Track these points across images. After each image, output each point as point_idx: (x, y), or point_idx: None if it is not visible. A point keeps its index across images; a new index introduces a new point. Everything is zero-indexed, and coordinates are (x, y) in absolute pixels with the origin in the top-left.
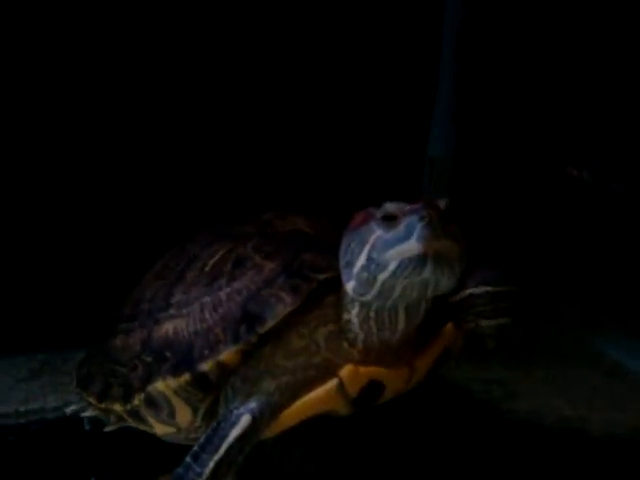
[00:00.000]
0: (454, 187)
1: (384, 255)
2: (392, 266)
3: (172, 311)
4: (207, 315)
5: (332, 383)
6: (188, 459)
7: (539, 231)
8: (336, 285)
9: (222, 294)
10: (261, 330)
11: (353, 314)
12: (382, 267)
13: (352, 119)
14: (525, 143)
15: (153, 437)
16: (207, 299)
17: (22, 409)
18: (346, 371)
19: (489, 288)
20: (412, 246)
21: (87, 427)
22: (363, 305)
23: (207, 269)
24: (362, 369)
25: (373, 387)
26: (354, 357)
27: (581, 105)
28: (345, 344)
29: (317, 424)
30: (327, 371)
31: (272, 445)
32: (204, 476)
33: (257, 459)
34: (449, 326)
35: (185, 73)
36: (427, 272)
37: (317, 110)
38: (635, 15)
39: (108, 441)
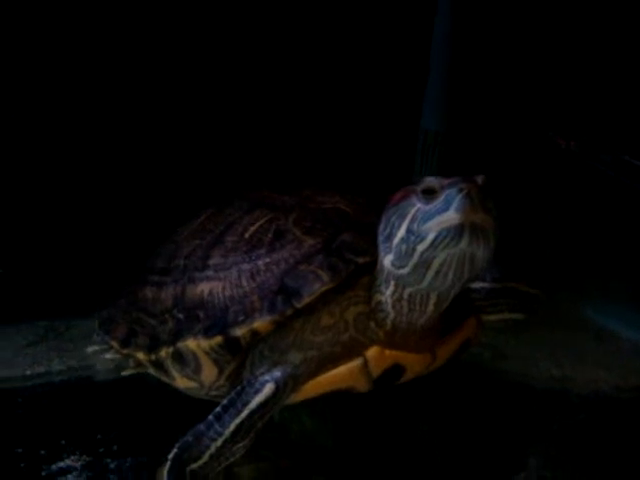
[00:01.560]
0: (445, 159)
1: (424, 226)
2: (431, 236)
3: (209, 272)
4: (244, 282)
5: (357, 362)
6: (211, 418)
7: (528, 202)
8: (369, 268)
9: (261, 263)
10: (298, 305)
11: (387, 293)
12: (421, 238)
13: (348, 95)
14: (515, 115)
15: (159, 397)
16: (246, 266)
17: (28, 373)
18: (372, 352)
19: (512, 285)
20: (451, 216)
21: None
22: (398, 284)
23: (247, 236)
24: (387, 352)
25: (395, 369)
26: (379, 338)
27: (569, 78)
28: (373, 324)
29: (333, 397)
30: (352, 349)
31: (284, 410)
32: (224, 436)
33: (269, 422)
34: (472, 320)
35: (182, 65)
36: (464, 243)
37: (315, 86)
38: None
39: (115, 402)
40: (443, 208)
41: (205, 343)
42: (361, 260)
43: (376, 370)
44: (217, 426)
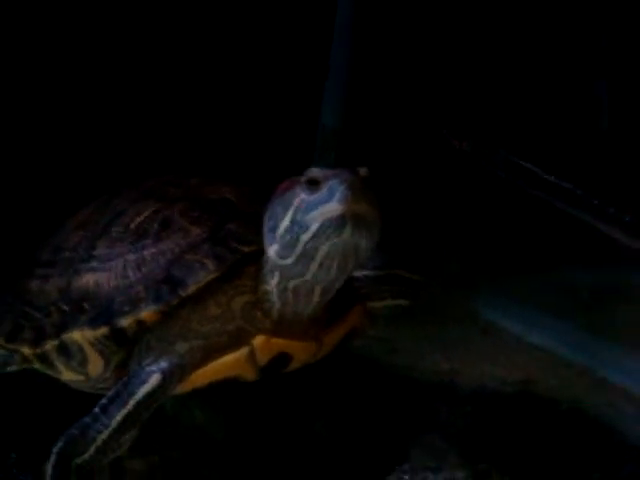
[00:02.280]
0: (344, 156)
1: (307, 216)
2: (314, 226)
3: (94, 263)
4: (130, 272)
5: (244, 350)
6: (96, 410)
7: (422, 196)
8: (256, 257)
9: (146, 253)
10: (183, 293)
11: (273, 284)
12: (305, 228)
13: (248, 90)
14: (412, 114)
15: (47, 390)
16: (131, 256)
17: None
18: (259, 340)
19: (395, 272)
20: (333, 207)
21: None
22: (282, 275)
23: (133, 226)
24: (274, 340)
25: (281, 358)
26: (266, 327)
27: (465, 78)
28: (259, 314)
29: (221, 386)
30: (239, 339)
31: (174, 402)
32: (110, 428)
33: (159, 415)
34: (358, 308)
35: None
36: (347, 233)
37: (215, 80)
38: None
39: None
40: (326, 199)
41: (90, 334)
42: (246, 249)
43: (262, 358)
44: (103, 418)
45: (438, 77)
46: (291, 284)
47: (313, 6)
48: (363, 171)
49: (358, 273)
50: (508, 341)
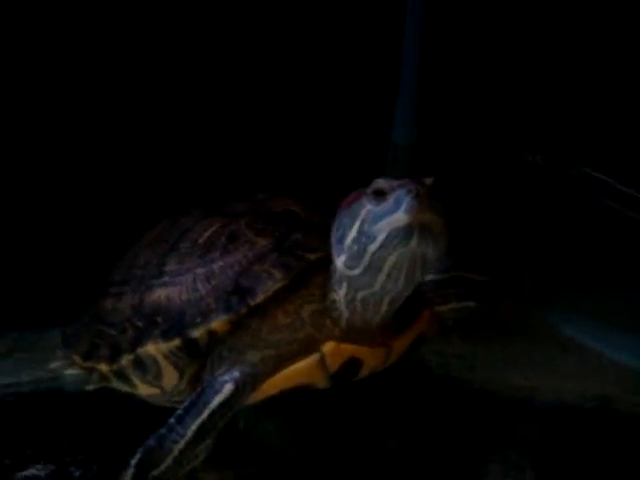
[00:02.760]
0: (416, 173)
1: (374, 227)
2: (381, 237)
3: (165, 279)
4: (200, 285)
5: (314, 357)
6: (172, 420)
7: (497, 213)
8: (323, 266)
9: (215, 266)
10: (252, 302)
11: (341, 294)
12: (372, 238)
13: (318, 105)
14: (484, 128)
15: (125, 406)
16: (200, 270)
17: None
18: (329, 347)
19: (457, 274)
20: (400, 217)
21: (70, 388)
22: (350, 285)
23: (201, 241)
24: (344, 346)
25: (352, 364)
26: (335, 335)
27: (538, 93)
28: (328, 322)
29: (291, 398)
30: (309, 346)
31: (247, 416)
32: (186, 437)
33: (232, 430)
34: (426, 313)
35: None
36: (414, 243)
37: (283, 94)
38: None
39: (83, 411)
40: (392, 209)
41: (164, 346)
42: (312, 257)
43: (333, 365)
44: (179, 428)
45: (510, 90)
46: (359, 295)
47: (382, 22)
48: (429, 181)
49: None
50: (588, 358)
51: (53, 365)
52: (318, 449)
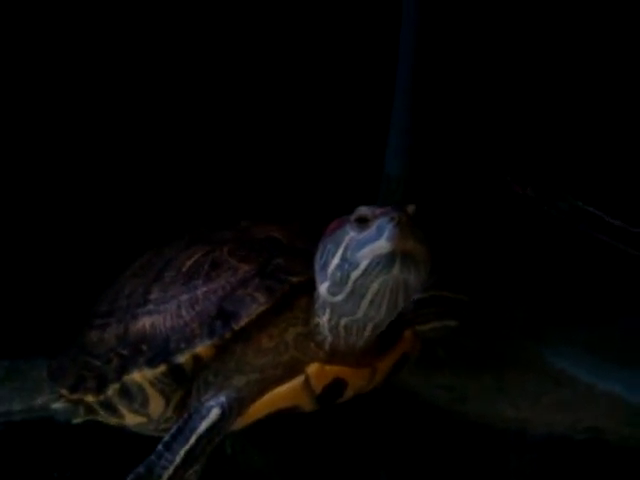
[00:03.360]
0: (407, 203)
1: (357, 254)
2: (363, 264)
3: (149, 307)
4: (184, 312)
5: (299, 379)
6: (160, 447)
7: (488, 245)
8: (307, 290)
9: (199, 293)
10: (236, 326)
11: (324, 319)
12: (354, 265)
13: (309, 137)
14: (475, 162)
15: (114, 436)
16: (184, 297)
17: None
18: (312, 368)
19: (436, 293)
20: (382, 245)
21: (59, 418)
22: (333, 311)
23: (184, 270)
24: (327, 367)
25: (336, 385)
26: (320, 357)
27: (528, 125)
28: (312, 345)
29: (278, 425)
30: (294, 369)
31: (233, 443)
32: (175, 464)
33: (218, 456)
34: (408, 333)
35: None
36: (396, 270)
37: (274, 126)
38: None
39: (73, 440)
40: (375, 237)
41: (150, 373)
42: (295, 280)
43: (318, 386)
44: (167, 454)
45: (502, 123)
46: (342, 321)
47: (374, 55)
48: (411, 209)
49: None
50: (579, 390)
51: (40, 400)
52: (305, 476)
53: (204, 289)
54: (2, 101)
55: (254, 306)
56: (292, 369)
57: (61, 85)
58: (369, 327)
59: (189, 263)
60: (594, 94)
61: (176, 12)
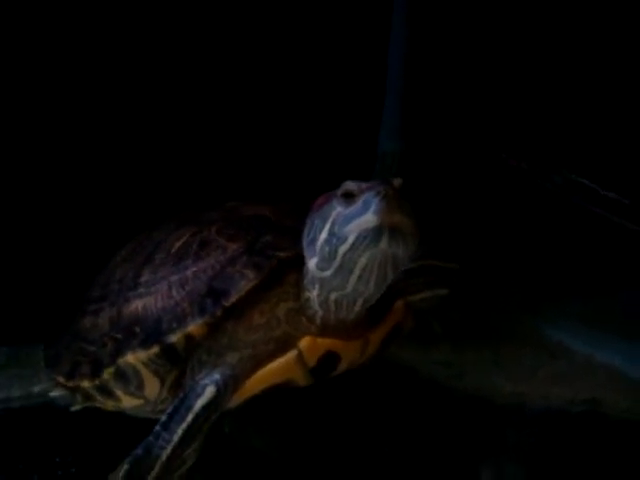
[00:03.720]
0: (403, 179)
1: (344, 229)
2: (351, 238)
3: (140, 290)
4: (174, 292)
5: (292, 353)
6: (158, 428)
7: (481, 219)
8: (296, 265)
9: (188, 273)
10: (226, 303)
11: (314, 294)
12: (342, 240)
13: (304, 116)
14: (469, 137)
15: (113, 420)
16: (174, 277)
17: None
18: (305, 342)
19: (424, 263)
20: (369, 218)
21: (59, 404)
22: (323, 287)
23: (174, 251)
24: (319, 340)
25: (330, 357)
26: (312, 331)
27: (522, 100)
28: (304, 319)
29: (273, 402)
30: (286, 344)
31: (229, 427)
32: (172, 443)
33: (213, 435)
34: (399, 303)
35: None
36: (383, 244)
37: (270, 106)
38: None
39: (73, 425)
40: (362, 211)
41: (143, 355)
42: (282, 255)
43: (311, 359)
44: (165, 434)
45: (495, 97)
46: (332, 296)
47: (367, 33)
48: (397, 182)
49: None
50: (576, 363)
51: (37, 388)
52: (304, 454)
53: (194, 269)
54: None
55: (243, 282)
56: (285, 344)
57: (57, 83)
58: (359, 302)
59: (178, 244)
60: (587, 67)
61: (171, 10)
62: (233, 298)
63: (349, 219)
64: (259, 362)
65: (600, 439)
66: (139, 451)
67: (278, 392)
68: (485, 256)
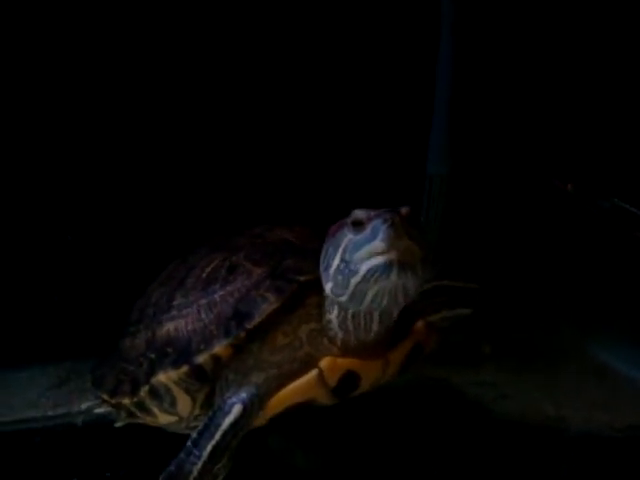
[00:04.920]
0: (452, 202)
1: (354, 256)
2: (363, 271)
3: (173, 313)
4: (203, 315)
5: (313, 373)
6: (189, 444)
7: (531, 240)
8: (318, 287)
9: (216, 296)
10: (249, 326)
11: (333, 315)
12: (354, 271)
13: (353, 139)
14: (517, 159)
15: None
16: (203, 301)
17: (50, 413)
18: (325, 362)
19: (438, 283)
20: (377, 245)
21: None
22: (341, 307)
23: (204, 275)
24: (340, 360)
25: (350, 377)
26: (333, 352)
27: (571, 123)
28: (325, 340)
29: (311, 417)
30: (309, 364)
31: (269, 437)
32: (202, 459)
33: (255, 449)
34: (419, 324)
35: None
36: (394, 276)
37: (319, 128)
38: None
39: (126, 441)
40: (370, 238)
41: (174, 374)
42: (302, 278)
43: (331, 379)
44: (195, 451)
45: (543, 120)
46: (349, 314)
47: (414, 57)
48: (405, 210)
49: None
50: (623, 386)
51: (84, 405)
52: (347, 475)
53: (221, 293)
54: (4, 103)
55: (265, 305)
56: (307, 364)
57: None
58: (375, 317)
59: (208, 269)
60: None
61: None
62: (255, 321)
63: (359, 246)
64: (283, 381)
65: (636, 466)
66: (172, 468)
67: (323, 411)
68: (528, 276)
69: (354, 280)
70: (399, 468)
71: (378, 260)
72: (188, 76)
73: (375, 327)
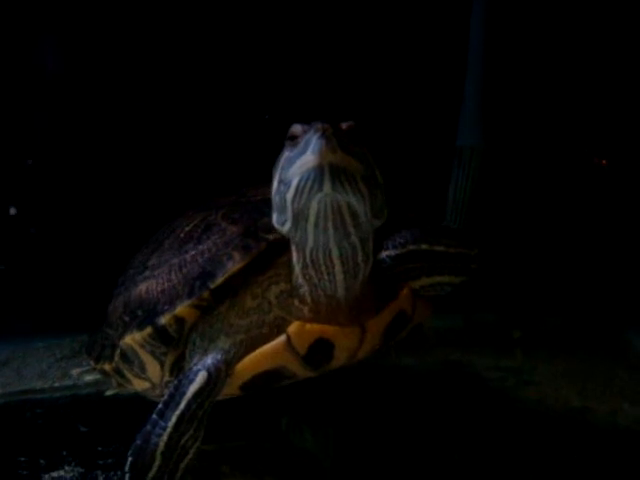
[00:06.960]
0: (482, 174)
1: (288, 172)
2: (294, 182)
3: (147, 273)
4: (173, 275)
5: (281, 339)
6: (154, 416)
7: (564, 221)
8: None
9: (188, 256)
10: (212, 285)
11: (295, 261)
12: (287, 185)
13: (388, 113)
14: (546, 130)
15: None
16: (175, 261)
17: (57, 385)
18: (293, 327)
19: (415, 248)
20: (308, 158)
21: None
22: (297, 247)
23: (182, 235)
24: (309, 325)
25: (322, 345)
26: (305, 315)
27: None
28: (296, 301)
29: (332, 405)
30: (279, 329)
31: (286, 426)
32: (168, 430)
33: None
34: (405, 290)
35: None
36: (327, 186)
37: (359, 103)
38: None
39: (128, 415)
40: (302, 151)
41: (138, 336)
42: (272, 237)
43: (300, 346)
44: (161, 422)
45: (575, 95)
46: (307, 256)
47: (446, 31)
48: (345, 125)
49: (380, 255)
50: None
51: (74, 371)
52: (360, 458)
53: (193, 252)
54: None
55: (229, 264)
56: (277, 329)
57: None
58: (336, 261)
59: (187, 229)
60: None
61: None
62: (218, 280)
63: (292, 161)
64: (251, 347)
65: None
66: (138, 442)
67: (336, 394)
68: (561, 256)
69: (289, 195)
70: (409, 451)
71: (308, 168)
72: (188, 76)
73: (339, 276)
